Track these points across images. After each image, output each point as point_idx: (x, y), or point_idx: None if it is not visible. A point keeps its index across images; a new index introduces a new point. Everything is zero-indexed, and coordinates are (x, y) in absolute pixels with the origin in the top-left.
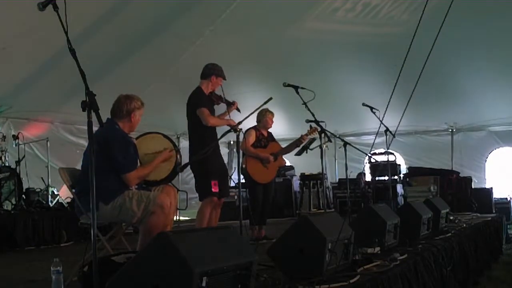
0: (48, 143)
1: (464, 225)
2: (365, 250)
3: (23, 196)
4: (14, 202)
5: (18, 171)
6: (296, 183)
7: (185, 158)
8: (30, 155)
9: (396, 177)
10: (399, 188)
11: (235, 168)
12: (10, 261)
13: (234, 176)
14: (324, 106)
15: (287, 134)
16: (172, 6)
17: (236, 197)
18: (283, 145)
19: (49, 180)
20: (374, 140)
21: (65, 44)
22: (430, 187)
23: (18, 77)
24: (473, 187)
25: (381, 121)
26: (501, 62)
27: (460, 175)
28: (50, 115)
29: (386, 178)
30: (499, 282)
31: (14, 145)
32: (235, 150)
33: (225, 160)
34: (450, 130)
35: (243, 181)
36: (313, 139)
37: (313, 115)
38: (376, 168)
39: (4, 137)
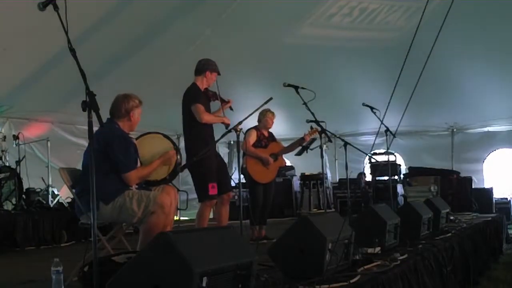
0: (49, 143)
1: (464, 225)
2: (365, 250)
3: (24, 196)
4: (14, 202)
5: (18, 171)
6: (296, 183)
7: (185, 158)
8: (30, 155)
9: (396, 177)
10: (400, 188)
11: (235, 168)
12: (10, 261)
13: (235, 176)
14: (324, 106)
15: (287, 134)
16: (172, 6)
17: (236, 197)
18: (284, 145)
19: (50, 180)
20: (375, 140)
21: (65, 44)
22: (431, 187)
23: (18, 77)
24: (473, 187)
25: (381, 121)
26: (501, 62)
27: (460, 175)
28: (51, 115)
29: (386, 178)
30: (499, 282)
31: (14, 145)
32: (235, 150)
33: (225, 160)
34: (450, 130)
35: (244, 181)
36: (314, 139)
37: (313, 115)
38: (377, 168)
39: (4, 137)
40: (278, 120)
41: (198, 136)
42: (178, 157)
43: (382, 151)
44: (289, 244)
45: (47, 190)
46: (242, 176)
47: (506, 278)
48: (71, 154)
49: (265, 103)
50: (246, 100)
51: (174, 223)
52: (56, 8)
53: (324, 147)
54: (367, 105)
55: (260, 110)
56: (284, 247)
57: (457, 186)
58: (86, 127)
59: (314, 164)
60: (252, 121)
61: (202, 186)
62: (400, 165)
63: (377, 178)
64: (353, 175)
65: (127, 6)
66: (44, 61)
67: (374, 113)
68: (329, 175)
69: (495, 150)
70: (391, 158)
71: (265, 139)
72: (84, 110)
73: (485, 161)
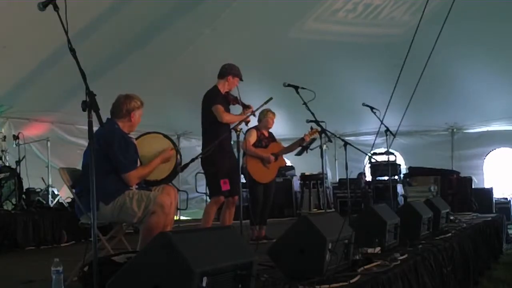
0: (49, 143)
1: (464, 225)
2: (365, 250)
3: (24, 196)
4: (14, 202)
5: (18, 171)
6: (296, 183)
7: (186, 158)
8: (30, 155)
9: (396, 177)
10: (400, 188)
11: None
12: (10, 261)
13: None
14: (324, 106)
15: (287, 134)
16: (171, 5)
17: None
18: (284, 145)
19: (50, 180)
20: (375, 140)
21: (65, 44)
22: (431, 187)
23: (18, 77)
24: (473, 187)
25: (381, 121)
26: (501, 62)
27: (460, 175)
28: (51, 115)
29: (387, 178)
30: (499, 282)
31: (14, 145)
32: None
33: None
34: (450, 130)
35: (244, 181)
36: (314, 139)
37: (313, 115)
38: (377, 168)
39: (4, 137)
40: (278, 120)
41: (216, 137)
42: (178, 157)
43: (382, 151)
44: (289, 244)
45: (47, 190)
46: (242, 176)
47: (506, 278)
48: (71, 154)
49: (265, 103)
50: (246, 100)
51: (174, 223)
52: (56, 8)
53: (324, 147)
54: (367, 105)
55: (260, 110)
56: (284, 247)
57: (457, 186)
58: (86, 127)
59: (314, 164)
60: (252, 121)
61: (214, 183)
62: (400, 165)
63: (377, 178)
64: (353, 175)
65: (126, 5)
66: (45, 61)
67: (374, 113)
68: (329, 175)
69: (495, 150)
70: (391, 158)
71: (266, 139)
72: (84, 110)
73: (485, 160)
